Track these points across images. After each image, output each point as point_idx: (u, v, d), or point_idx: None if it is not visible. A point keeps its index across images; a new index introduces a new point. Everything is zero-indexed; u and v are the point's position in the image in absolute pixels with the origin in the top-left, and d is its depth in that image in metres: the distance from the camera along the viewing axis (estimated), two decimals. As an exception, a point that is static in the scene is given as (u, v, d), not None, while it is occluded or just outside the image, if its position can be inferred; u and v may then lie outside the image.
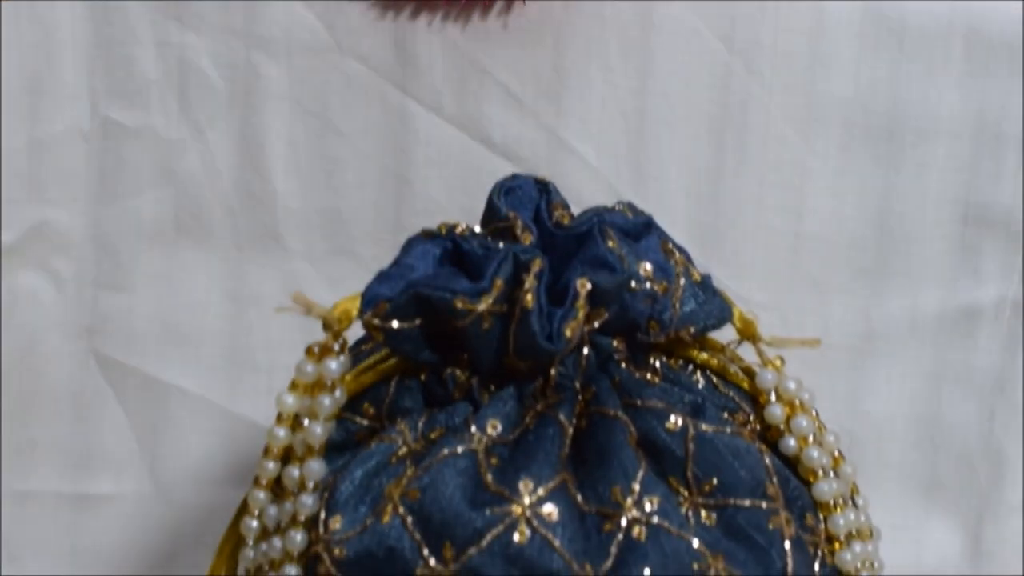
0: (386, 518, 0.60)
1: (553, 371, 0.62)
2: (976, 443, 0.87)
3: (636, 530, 0.60)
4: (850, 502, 0.67)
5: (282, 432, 0.63)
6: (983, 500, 0.87)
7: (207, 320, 0.88)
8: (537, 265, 0.61)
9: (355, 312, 0.61)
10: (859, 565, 0.66)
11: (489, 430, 0.61)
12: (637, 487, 0.60)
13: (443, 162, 0.85)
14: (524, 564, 0.58)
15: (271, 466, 0.63)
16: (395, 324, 0.61)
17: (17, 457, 0.89)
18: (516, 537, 0.59)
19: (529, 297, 0.60)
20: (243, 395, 0.87)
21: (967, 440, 0.87)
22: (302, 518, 0.62)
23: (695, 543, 0.60)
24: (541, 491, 0.59)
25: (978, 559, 0.87)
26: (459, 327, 0.61)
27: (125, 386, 0.88)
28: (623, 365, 0.64)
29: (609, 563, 0.59)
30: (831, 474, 0.66)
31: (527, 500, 0.59)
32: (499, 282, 0.60)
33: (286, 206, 0.86)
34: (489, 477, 0.60)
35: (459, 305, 0.60)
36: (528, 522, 0.59)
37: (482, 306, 0.60)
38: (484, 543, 0.59)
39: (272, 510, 0.63)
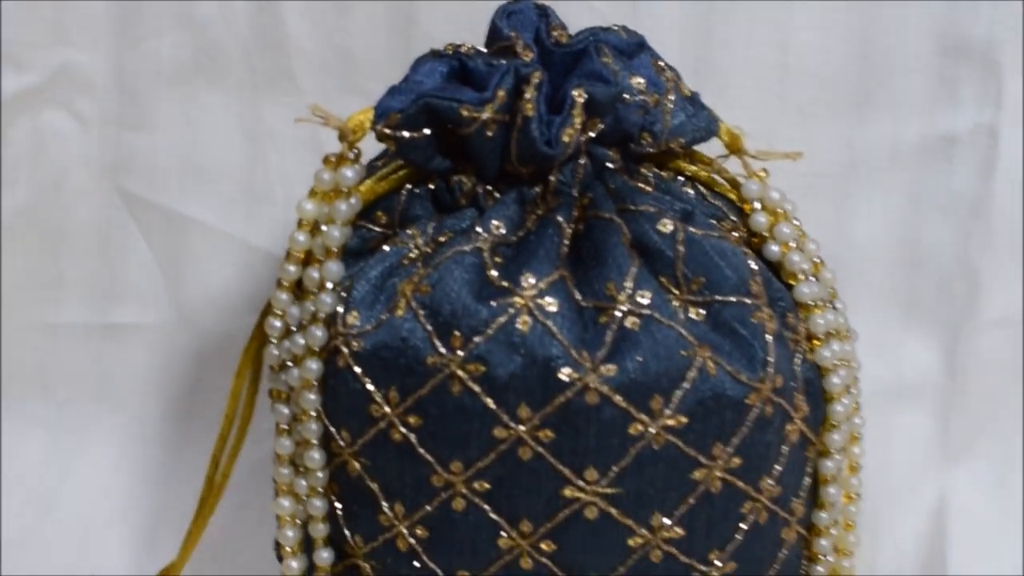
0: (399, 312, 0.65)
1: (552, 178, 0.67)
2: (952, 264, 0.90)
3: (629, 321, 0.65)
4: (829, 305, 0.72)
5: (302, 237, 0.68)
6: (959, 317, 0.91)
7: (225, 157, 0.91)
8: (537, 77, 0.65)
9: (369, 123, 0.66)
10: (836, 362, 0.71)
11: (493, 230, 0.66)
12: (630, 282, 0.65)
13: (449, 2, 0.88)
14: (526, 350, 0.64)
15: (292, 269, 0.68)
16: (406, 134, 0.66)
17: (47, 291, 0.93)
18: (519, 325, 0.64)
19: (529, 106, 0.65)
20: (260, 227, 0.92)
21: (944, 261, 0.90)
22: (322, 316, 0.67)
23: (684, 333, 0.65)
24: (542, 284, 0.65)
25: (954, 372, 0.92)
26: (465, 135, 0.66)
27: (148, 221, 0.92)
28: (618, 174, 0.69)
29: (604, 350, 0.64)
30: (812, 278, 0.71)
31: (529, 292, 0.64)
32: (501, 93, 0.65)
33: (299, 47, 0.90)
34: (494, 273, 0.65)
35: (465, 113, 0.65)
36: (530, 312, 0.64)
37: (486, 114, 0.65)
38: (490, 331, 0.64)
39: (294, 310, 0.68)
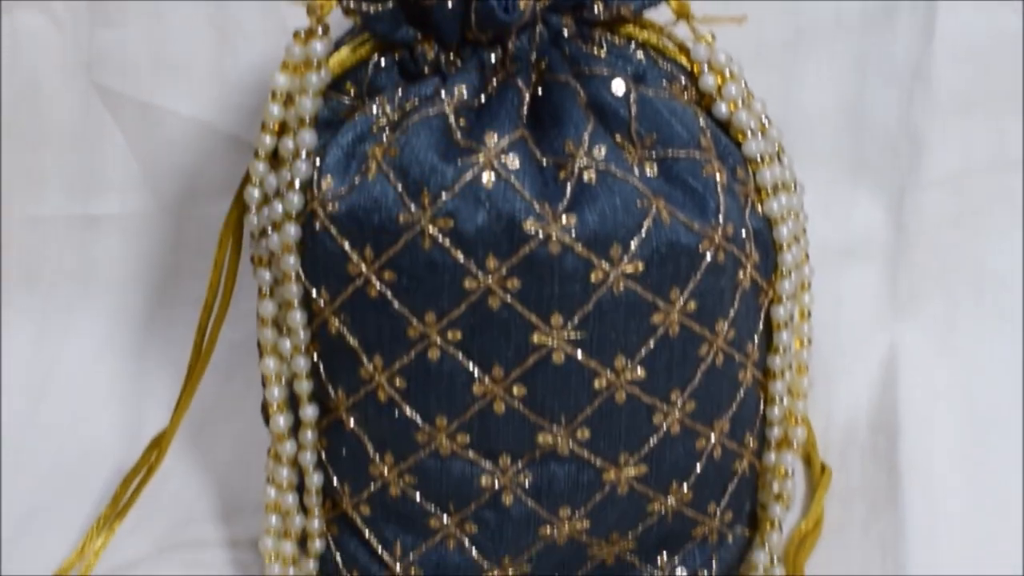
0: (371, 175, 0.69)
1: (511, 45, 0.71)
2: (896, 126, 0.94)
3: (587, 175, 0.69)
4: (776, 160, 0.76)
5: (276, 108, 0.71)
6: (904, 177, 0.95)
7: (195, 48, 0.94)
8: (493, -53, 0.69)
9: (334, -2, 0.69)
10: (784, 214, 0.75)
11: (457, 95, 0.70)
12: (586, 139, 0.69)
13: None
14: (492, 204, 0.68)
15: (268, 140, 0.72)
16: (370, 7, 0.70)
17: (29, 186, 0.97)
18: (484, 182, 0.68)
19: (487, -26, 0.69)
20: (231, 114, 0.95)
21: (888, 123, 0.94)
22: (298, 183, 0.71)
23: (639, 186, 0.69)
24: (504, 143, 0.69)
25: (900, 230, 0.96)
26: (427, 5, 0.69)
27: (124, 114, 0.95)
28: (572, 40, 0.73)
29: (565, 203, 0.68)
30: (759, 135, 0.75)
31: (492, 151, 0.68)
32: (460, -37, 0.69)
33: (262, -62, 0.93)
34: (458, 135, 0.69)
35: (426, -19, 0.69)
36: (493, 169, 0.68)
37: (446, -19, 0.69)
38: (456, 188, 0.68)
39: (271, 178, 0.72)
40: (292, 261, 0.72)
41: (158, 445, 0.81)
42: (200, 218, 0.96)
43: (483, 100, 0.71)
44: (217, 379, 0.90)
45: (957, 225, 0.96)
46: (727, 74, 0.75)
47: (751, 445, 0.78)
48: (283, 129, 0.72)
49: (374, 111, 0.71)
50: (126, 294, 0.98)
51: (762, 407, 0.78)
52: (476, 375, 0.70)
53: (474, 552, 0.74)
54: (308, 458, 0.76)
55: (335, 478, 0.76)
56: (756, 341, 0.76)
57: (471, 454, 0.72)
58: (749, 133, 0.75)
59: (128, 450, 0.90)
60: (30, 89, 0.95)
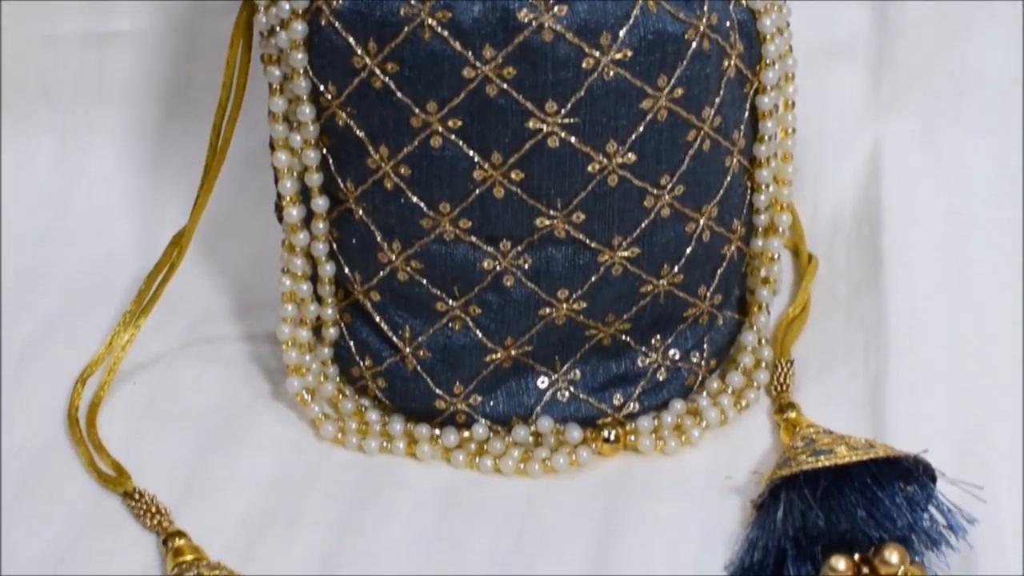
0: (372, -29, 0.73)
1: None
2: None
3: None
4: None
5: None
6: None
7: None
8: None
9: None
10: (768, 6, 0.79)
11: None
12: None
13: None
14: None
15: (273, -51, 0.76)
16: None
17: (45, 7, 1.00)
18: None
19: None
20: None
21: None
22: (304, -15, 0.75)
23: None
24: None
25: (884, 30, 0.98)
26: None
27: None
28: None
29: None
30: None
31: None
32: None
33: None
34: (454, -68, 0.73)
35: None
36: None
37: None
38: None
39: (278, -17, 0.76)
40: (300, 57, 0.76)
41: (178, 243, 0.85)
42: (209, 34, 1.00)
43: None
44: (232, 189, 0.94)
45: (939, 25, 0.99)
46: None
47: (739, 231, 0.82)
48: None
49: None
50: (142, 108, 1.02)
51: (749, 195, 0.82)
52: (476, 161, 0.74)
53: (478, 333, 0.79)
54: (320, 248, 0.80)
55: (346, 267, 0.81)
56: (742, 130, 0.80)
57: (473, 239, 0.77)
58: (735, -73, 0.78)
59: (148, 256, 0.94)
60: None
